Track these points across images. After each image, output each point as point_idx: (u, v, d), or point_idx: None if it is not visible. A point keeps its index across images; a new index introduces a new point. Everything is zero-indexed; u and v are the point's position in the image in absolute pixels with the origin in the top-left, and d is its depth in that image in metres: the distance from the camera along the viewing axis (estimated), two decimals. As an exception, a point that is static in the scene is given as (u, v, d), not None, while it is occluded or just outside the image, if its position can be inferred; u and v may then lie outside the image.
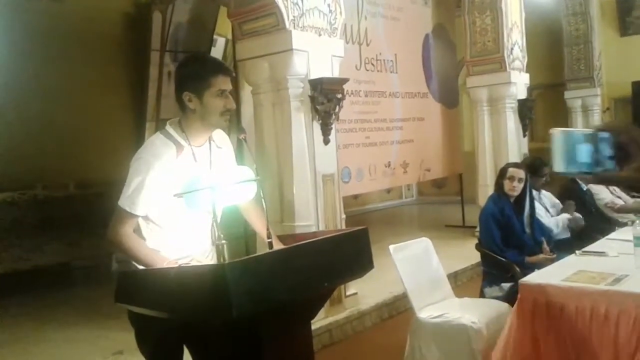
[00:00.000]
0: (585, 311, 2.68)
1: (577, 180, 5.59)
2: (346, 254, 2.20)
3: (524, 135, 7.64)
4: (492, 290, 3.97)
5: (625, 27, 9.91)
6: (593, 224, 4.98)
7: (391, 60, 6.72)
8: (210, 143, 2.36)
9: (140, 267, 2.17)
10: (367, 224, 2.46)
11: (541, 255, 3.98)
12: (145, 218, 2.23)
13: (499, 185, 4.23)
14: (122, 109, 7.55)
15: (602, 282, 2.79)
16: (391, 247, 3.48)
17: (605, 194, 5.69)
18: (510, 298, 3.46)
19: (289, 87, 4.27)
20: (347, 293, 4.65)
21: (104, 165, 6.37)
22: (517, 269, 3.77)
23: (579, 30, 9.88)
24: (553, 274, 3.03)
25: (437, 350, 3.28)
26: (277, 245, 2.33)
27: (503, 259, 3.93)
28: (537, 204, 4.54)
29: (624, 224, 4.81)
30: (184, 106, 2.25)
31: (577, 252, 3.53)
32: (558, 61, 10.01)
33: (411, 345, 3.41)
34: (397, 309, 4.93)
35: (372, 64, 6.42)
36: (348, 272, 2.28)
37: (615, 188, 6.08)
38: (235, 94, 3.92)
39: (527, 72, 7.71)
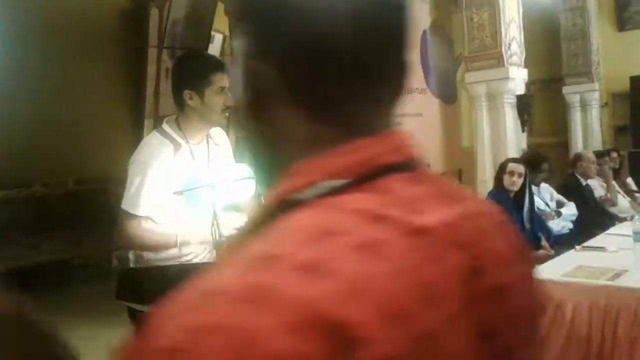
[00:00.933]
0: (585, 306, 2.68)
1: (577, 175, 5.59)
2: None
3: (523, 131, 7.63)
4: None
5: (622, 22, 9.89)
6: (593, 219, 4.99)
7: (389, 57, 6.70)
8: (208, 140, 2.35)
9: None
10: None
11: (540, 251, 3.98)
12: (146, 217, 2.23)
13: (498, 180, 4.24)
14: (120, 106, 7.53)
15: (602, 277, 2.79)
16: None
17: (599, 191, 5.69)
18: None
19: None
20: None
21: (103, 162, 6.37)
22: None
23: (576, 26, 9.86)
24: (552, 270, 3.03)
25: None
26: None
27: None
28: (536, 199, 4.55)
29: (624, 219, 4.82)
30: (182, 104, 2.24)
31: (576, 247, 3.54)
32: (556, 56, 9.98)
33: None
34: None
35: (370, 61, 6.40)
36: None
37: (614, 184, 6.09)
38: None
39: (525, 67, 7.71)
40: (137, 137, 6.95)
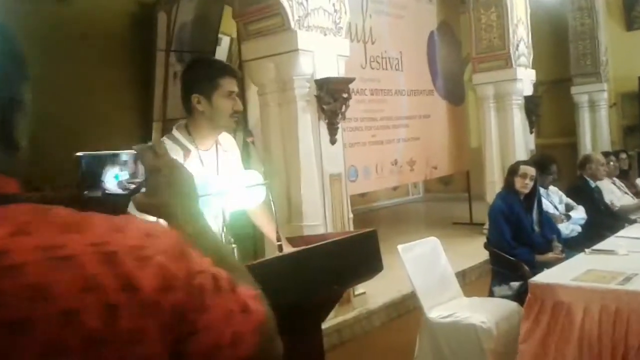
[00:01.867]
0: (595, 311, 2.67)
1: (586, 177, 5.56)
2: (355, 256, 2.21)
3: (531, 132, 7.62)
4: (502, 289, 3.95)
5: (630, 22, 9.85)
6: (602, 221, 4.96)
7: (396, 58, 6.71)
8: (217, 147, 2.36)
9: None
10: (373, 221, 2.47)
11: (550, 254, 3.96)
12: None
13: (508, 182, 4.22)
14: (128, 110, 7.55)
15: (612, 281, 2.77)
16: (400, 247, 3.48)
17: (606, 194, 5.64)
18: (519, 297, 3.44)
19: (295, 88, 4.26)
20: (356, 292, 4.65)
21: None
22: (526, 267, 3.75)
23: (584, 26, 9.82)
24: (562, 273, 3.02)
25: (447, 350, 3.28)
26: (287, 248, 2.33)
27: (512, 258, 3.91)
28: (545, 202, 4.53)
29: (634, 221, 4.79)
30: (191, 109, 2.26)
31: (586, 250, 3.52)
32: (564, 57, 9.95)
33: (421, 345, 3.41)
34: (406, 308, 4.92)
35: (378, 62, 6.40)
36: (357, 275, 2.28)
37: (622, 185, 6.05)
38: (242, 95, 3.92)
39: (533, 68, 7.69)
40: (145, 141, 6.95)
